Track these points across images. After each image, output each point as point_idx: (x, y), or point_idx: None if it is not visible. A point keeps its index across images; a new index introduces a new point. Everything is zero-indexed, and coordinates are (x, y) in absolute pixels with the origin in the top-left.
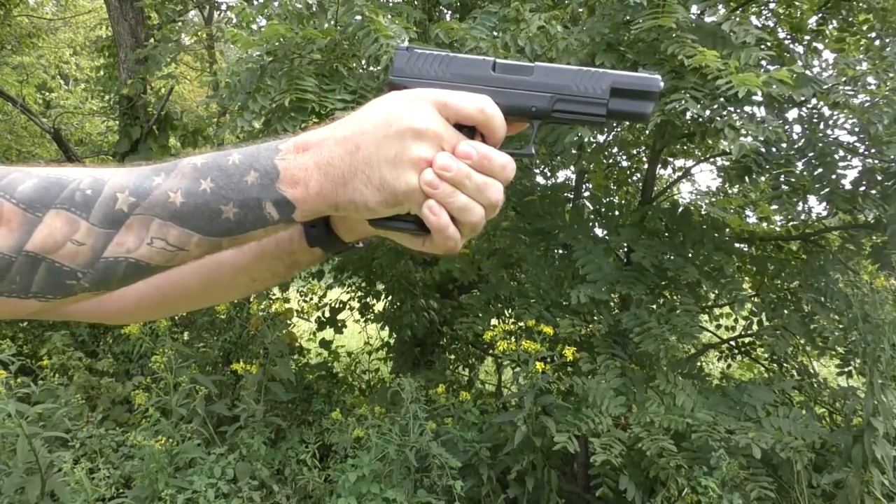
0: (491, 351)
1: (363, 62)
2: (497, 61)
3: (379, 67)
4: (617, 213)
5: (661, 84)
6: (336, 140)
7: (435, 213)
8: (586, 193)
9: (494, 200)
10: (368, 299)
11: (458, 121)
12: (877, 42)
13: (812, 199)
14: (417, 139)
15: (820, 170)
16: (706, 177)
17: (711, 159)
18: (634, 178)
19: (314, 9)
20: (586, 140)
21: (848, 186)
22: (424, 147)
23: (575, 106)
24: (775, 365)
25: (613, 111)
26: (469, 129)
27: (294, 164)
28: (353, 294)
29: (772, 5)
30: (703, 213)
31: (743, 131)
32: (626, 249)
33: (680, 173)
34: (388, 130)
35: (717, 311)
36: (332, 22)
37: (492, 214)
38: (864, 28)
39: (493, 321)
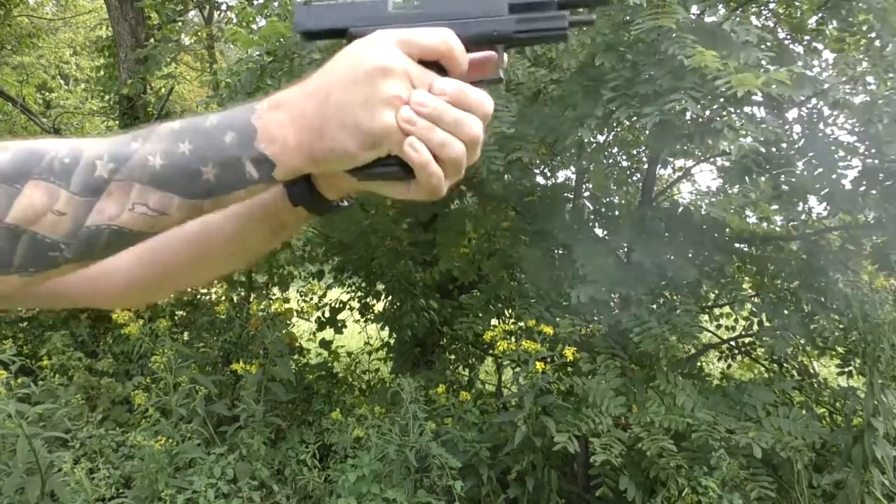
0: (491, 351)
1: None
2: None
3: None
4: (617, 213)
5: None
6: (307, 93)
7: (416, 150)
8: (586, 193)
9: (474, 135)
10: (368, 299)
11: (421, 56)
12: (877, 42)
13: (812, 199)
14: (386, 77)
15: (820, 170)
16: (706, 177)
17: (711, 159)
18: (634, 178)
19: None
20: (586, 140)
21: (848, 186)
22: (394, 83)
23: (532, 23)
24: (775, 365)
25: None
26: (435, 67)
27: (270, 121)
28: (353, 294)
29: (772, 5)
30: (703, 213)
31: (742, 132)
32: (626, 249)
33: (680, 173)
34: (356, 74)
35: (717, 311)
36: None
37: (473, 153)
38: (864, 28)
39: (493, 321)
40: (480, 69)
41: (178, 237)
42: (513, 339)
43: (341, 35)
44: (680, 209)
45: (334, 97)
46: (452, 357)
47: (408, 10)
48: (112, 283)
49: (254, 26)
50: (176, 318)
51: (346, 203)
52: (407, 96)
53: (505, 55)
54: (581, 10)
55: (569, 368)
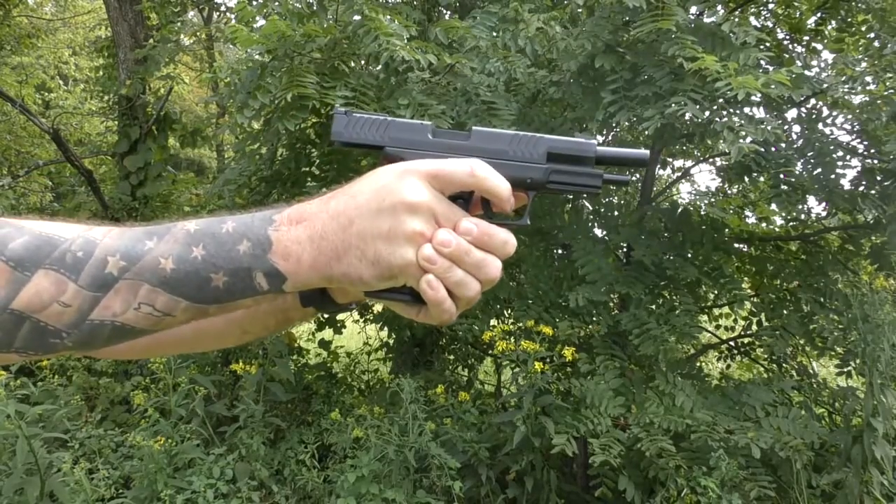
0: (490, 351)
1: (362, 61)
2: (435, 127)
3: (379, 67)
4: (616, 213)
5: (597, 148)
6: (329, 214)
7: (433, 288)
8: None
9: (492, 277)
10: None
11: (451, 190)
12: (876, 42)
13: (811, 199)
14: (411, 213)
15: (819, 169)
16: (705, 177)
17: (710, 159)
18: (634, 178)
19: (314, 7)
20: None
21: (847, 186)
22: (418, 221)
23: (566, 177)
24: (775, 365)
25: (605, 178)
26: (464, 200)
27: (287, 236)
28: None
29: (771, 5)
30: (702, 213)
31: (742, 133)
32: (625, 249)
33: (679, 173)
34: (382, 205)
35: (716, 311)
36: (332, 20)
37: (488, 288)
38: (863, 28)
39: (493, 321)
40: (506, 211)
41: None
42: (512, 340)
43: (378, 150)
44: (679, 209)
45: (357, 225)
46: (451, 357)
47: (448, 140)
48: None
49: (254, 25)
50: None
51: (353, 306)
52: (430, 234)
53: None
54: (617, 170)
55: (568, 369)
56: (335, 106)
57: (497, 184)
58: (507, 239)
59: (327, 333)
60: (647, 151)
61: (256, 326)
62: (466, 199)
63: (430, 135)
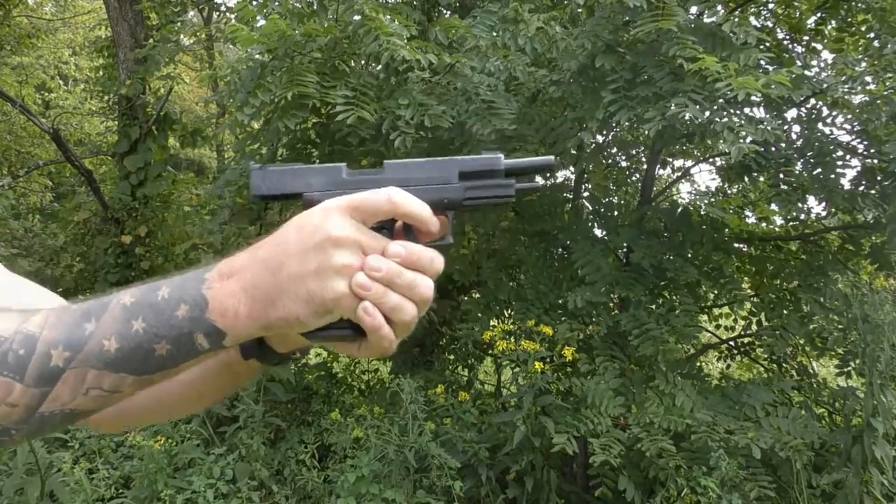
0: (490, 351)
1: (362, 61)
2: (348, 168)
3: (379, 66)
4: (616, 213)
5: (504, 161)
6: (259, 262)
7: (370, 314)
8: (585, 194)
9: (426, 296)
10: None
11: (373, 220)
12: (875, 42)
13: (811, 199)
14: (337, 247)
15: (819, 169)
16: (705, 177)
17: (710, 159)
18: (634, 178)
19: (314, 7)
20: (586, 141)
21: (847, 186)
22: (345, 254)
23: (481, 191)
24: (775, 365)
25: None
26: (387, 229)
27: (222, 291)
28: None
29: (771, 5)
30: (702, 213)
31: (742, 133)
32: (625, 250)
33: (679, 173)
34: (308, 244)
35: (716, 311)
36: (333, 20)
37: (423, 310)
38: (863, 28)
39: (493, 322)
40: (430, 234)
41: None
42: (512, 340)
43: (297, 198)
44: (679, 209)
45: (287, 269)
46: (451, 357)
47: (362, 177)
48: None
49: (255, 25)
50: None
51: (298, 355)
52: (359, 264)
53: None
54: (526, 178)
55: (568, 369)
56: (251, 164)
57: (416, 207)
58: (433, 257)
59: None
60: (552, 157)
61: (210, 387)
62: (389, 227)
63: (345, 174)
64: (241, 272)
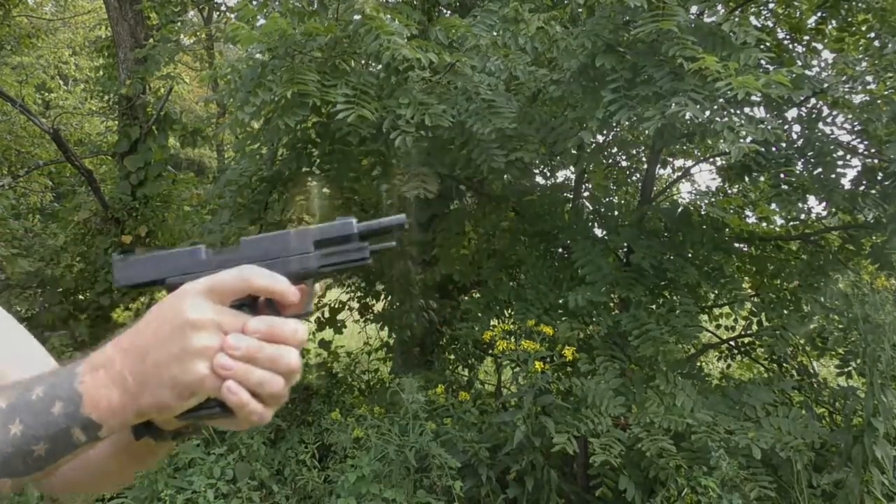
0: (490, 351)
1: (363, 61)
2: (207, 248)
3: (380, 66)
4: (616, 213)
5: (356, 226)
6: (125, 352)
7: (234, 393)
8: (586, 193)
9: (292, 367)
10: (368, 299)
11: (230, 299)
12: (876, 42)
13: (812, 199)
14: (196, 330)
15: (819, 169)
16: (705, 176)
17: (711, 159)
18: (634, 177)
19: (315, 6)
20: (586, 141)
21: (847, 186)
22: (204, 336)
23: (337, 257)
24: (775, 365)
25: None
26: (249, 306)
27: (93, 384)
28: (352, 294)
29: (771, 5)
30: (702, 213)
31: (742, 133)
32: (625, 250)
33: (679, 173)
34: (168, 330)
35: (716, 310)
36: (333, 19)
37: (293, 380)
38: (864, 28)
39: (493, 322)
40: (291, 305)
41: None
42: (512, 339)
43: (161, 285)
44: (679, 209)
45: (151, 356)
46: (452, 357)
47: (221, 256)
48: None
49: (255, 25)
50: None
51: (188, 432)
52: (219, 343)
53: (316, 286)
54: (379, 238)
55: (568, 369)
56: (113, 254)
57: (270, 282)
58: (296, 328)
59: (328, 333)
60: (403, 216)
61: (116, 467)
62: (251, 304)
63: (204, 255)
64: (111, 363)
